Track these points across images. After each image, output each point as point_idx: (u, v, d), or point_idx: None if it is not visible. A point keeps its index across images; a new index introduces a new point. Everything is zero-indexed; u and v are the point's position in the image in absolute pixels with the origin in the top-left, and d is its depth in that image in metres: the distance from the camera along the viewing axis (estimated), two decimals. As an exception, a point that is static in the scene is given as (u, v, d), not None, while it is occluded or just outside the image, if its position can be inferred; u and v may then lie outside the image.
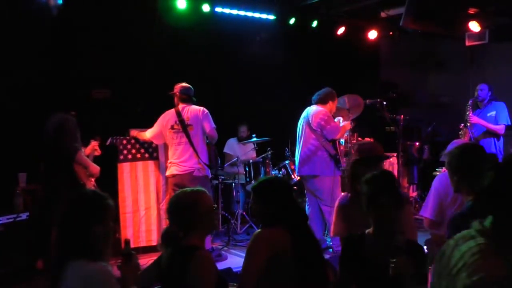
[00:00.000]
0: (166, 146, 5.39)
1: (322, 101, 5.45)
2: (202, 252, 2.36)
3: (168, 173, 5.12)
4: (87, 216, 2.13)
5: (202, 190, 2.52)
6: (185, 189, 2.56)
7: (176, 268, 2.32)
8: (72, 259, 2.06)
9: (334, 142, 5.38)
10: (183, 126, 5.00)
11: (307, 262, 2.48)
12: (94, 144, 4.79)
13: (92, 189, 2.30)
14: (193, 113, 5.02)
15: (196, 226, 2.40)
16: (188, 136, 4.99)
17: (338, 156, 5.35)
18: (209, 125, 5.02)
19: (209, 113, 5.07)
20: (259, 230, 2.58)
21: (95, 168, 4.56)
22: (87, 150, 4.74)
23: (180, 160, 5.00)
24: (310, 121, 5.34)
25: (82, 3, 5.58)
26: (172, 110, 5.10)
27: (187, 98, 5.08)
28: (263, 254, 2.42)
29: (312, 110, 5.43)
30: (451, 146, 3.25)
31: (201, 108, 5.07)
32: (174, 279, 2.34)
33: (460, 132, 5.94)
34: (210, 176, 5.27)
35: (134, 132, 5.39)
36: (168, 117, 5.10)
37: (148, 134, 5.23)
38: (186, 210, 2.41)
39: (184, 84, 5.14)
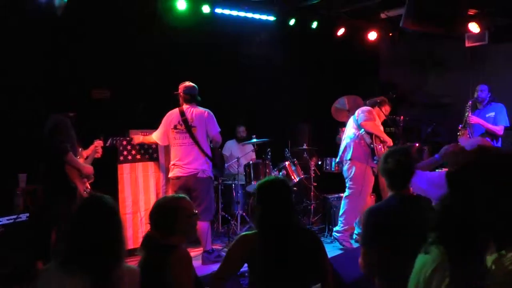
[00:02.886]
0: (166, 147, 5.39)
1: (371, 104, 5.80)
2: (181, 250, 2.43)
3: (171, 175, 5.10)
4: (115, 216, 2.18)
5: (183, 196, 2.60)
6: (167, 195, 2.65)
7: (155, 264, 2.36)
8: (117, 261, 2.10)
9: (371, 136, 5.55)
10: (186, 126, 4.97)
11: (276, 267, 2.45)
12: (97, 144, 4.74)
13: (95, 193, 2.27)
14: (198, 115, 5.00)
15: (175, 231, 2.47)
16: (192, 137, 4.96)
17: (373, 146, 5.50)
18: (214, 129, 5.01)
19: (214, 116, 5.05)
20: (243, 233, 2.63)
21: (88, 169, 4.49)
22: (88, 151, 4.72)
23: (184, 162, 4.97)
24: (356, 116, 5.67)
25: (82, 3, 5.58)
26: (176, 110, 5.08)
27: (190, 98, 5.06)
28: (237, 257, 2.50)
29: (360, 108, 5.80)
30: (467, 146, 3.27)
31: (206, 110, 5.05)
32: (152, 276, 2.37)
33: (458, 133, 5.95)
34: (213, 177, 5.26)
35: (138, 139, 5.33)
36: (171, 117, 5.09)
37: (154, 136, 5.21)
38: (167, 215, 2.48)
39: (187, 83, 5.11)
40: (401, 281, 2.44)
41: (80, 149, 4.58)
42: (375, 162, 5.48)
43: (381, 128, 5.70)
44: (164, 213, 2.50)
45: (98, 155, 4.74)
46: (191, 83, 5.12)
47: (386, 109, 5.86)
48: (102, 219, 2.11)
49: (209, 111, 5.07)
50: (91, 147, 4.71)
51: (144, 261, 2.45)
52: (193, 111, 5.01)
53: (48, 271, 2.12)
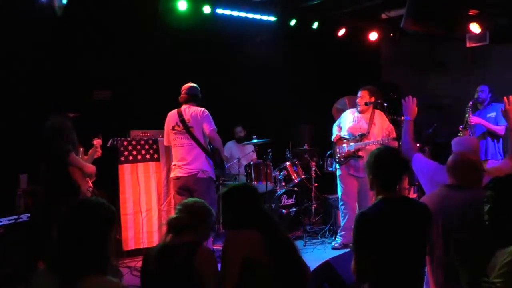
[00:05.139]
0: (167, 147, 5.37)
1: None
2: (205, 248, 2.56)
3: (172, 175, 5.08)
4: (102, 227, 2.07)
5: (212, 210, 2.77)
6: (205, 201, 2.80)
7: (179, 261, 2.43)
8: (85, 274, 1.95)
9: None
10: (185, 126, 4.96)
11: (282, 262, 2.54)
12: (96, 142, 4.72)
13: (95, 197, 2.24)
14: (193, 114, 4.97)
15: (197, 230, 2.62)
16: (193, 137, 4.95)
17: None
18: (209, 126, 4.92)
19: (209, 114, 4.99)
20: (231, 232, 2.63)
21: (90, 168, 4.51)
22: (90, 151, 4.72)
23: (183, 163, 4.96)
24: None
25: (83, 4, 5.59)
26: (175, 111, 5.06)
27: (188, 98, 5.02)
28: (240, 255, 2.47)
29: None
30: (453, 144, 3.30)
31: (202, 109, 5.00)
32: (173, 271, 2.44)
33: (459, 134, 5.94)
34: (215, 178, 5.24)
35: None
36: (170, 118, 5.08)
37: (165, 142, 5.22)
38: (200, 214, 2.65)
39: (187, 84, 5.08)
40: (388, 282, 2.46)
41: (81, 149, 4.59)
42: (333, 167, 5.80)
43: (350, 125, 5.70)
44: (198, 210, 2.65)
45: (98, 154, 4.73)
46: (190, 83, 5.10)
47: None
48: (84, 227, 2.02)
49: (205, 109, 5.00)
50: (92, 149, 4.72)
51: (164, 253, 2.51)
52: (190, 111, 4.98)
53: (38, 275, 2.09)
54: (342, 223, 5.73)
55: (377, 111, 5.72)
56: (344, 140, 5.66)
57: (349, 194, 5.67)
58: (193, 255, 2.43)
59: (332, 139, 5.81)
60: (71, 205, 2.16)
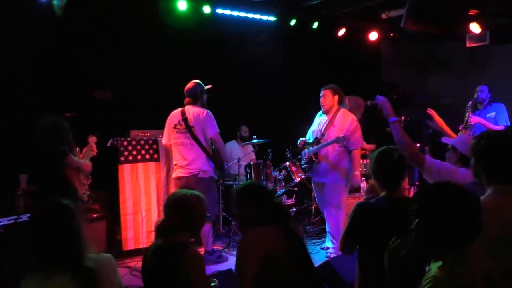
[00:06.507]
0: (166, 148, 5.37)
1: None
2: (193, 249, 2.51)
3: (174, 175, 5.09)
4: (77, 218, 2.26)
5: (201, 196, 2.67)
6: (187, 190, 2.68)
7: (168, 263, 2.41)
8: (85, 253, 2.16)
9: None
10: (187, 125, 4.95)
11: (301, 258, 2.58)
12: (90, 140, 4.60)
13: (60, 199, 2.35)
14: (195, 115, 4.96)
15: (188, 226, 2.56)
16: (194, 136, 4.94)
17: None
18: (212, 129, 4.92)
19: (212, 117, 4.98)
20: (252, 229, 2.62)
21: (87, 165, 4.44)
22: (84, 150, 4.65)
23: (185, 163, 4.95)
24: None
25: (84, 4, 5.59)
26: (178, 110, 5.06)
27: (190, 100, 5.02)
28: (257, 253, 2.49)
29: None
30: (456, 143, 3.28)
31: (205, 110, 4.99)
32: (163, 273, 2.43)
33: (459, 134, 5.94)
34: (216, 178, 5.24)
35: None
36: (173, 116, 5.08)
37: (163, 141, 5.20)
38: (185, 209, 2.56)
39: (189, 84, 5.07)
40: (377, 277, 2.47)
41: (77, 148, 4.54)
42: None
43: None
44: (182, 206, 2.56)
45: (94, 153, 4.60)
46: (192, 83, 5.07)
47: None
48: (63, 220, 2.20)
49: (208, 111, 4.99)
50: (87, 147, 4.63)
51: (155, 256, 2.51)
52: (193, 111, 4.98)
53: (26, 282, 2.15)
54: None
55: (341, 110, 5.36)
56: (306, 145, 5.47)
57: (318, 202, 5.59)
58: (181, 257, 2.40)
59: (298, 145, 5.60)
60: (37, 212, 2.32)
